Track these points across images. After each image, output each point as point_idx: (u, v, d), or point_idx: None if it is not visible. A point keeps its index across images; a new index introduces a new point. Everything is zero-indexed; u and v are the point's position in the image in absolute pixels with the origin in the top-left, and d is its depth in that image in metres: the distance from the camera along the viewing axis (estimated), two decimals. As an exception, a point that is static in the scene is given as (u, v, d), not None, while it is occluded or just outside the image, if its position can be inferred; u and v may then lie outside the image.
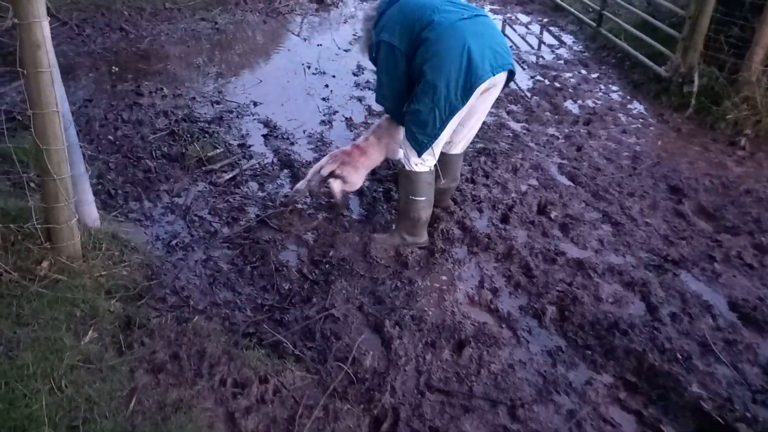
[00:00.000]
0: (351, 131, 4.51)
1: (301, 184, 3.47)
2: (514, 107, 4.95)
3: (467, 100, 2.79)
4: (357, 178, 3.40)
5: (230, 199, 3.58)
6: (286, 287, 2.90)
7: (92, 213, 2.89)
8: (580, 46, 6.47)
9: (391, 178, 3.84)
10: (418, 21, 2.82)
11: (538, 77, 5.62)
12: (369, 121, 4.59)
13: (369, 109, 4.87)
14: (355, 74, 5.57)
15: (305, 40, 6.53)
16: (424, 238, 3.22)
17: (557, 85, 5.40)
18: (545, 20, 7.37)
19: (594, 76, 5.65)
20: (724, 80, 4.64)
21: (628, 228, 3.43)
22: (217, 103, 4.88)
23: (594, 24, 6.54)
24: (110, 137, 4.21)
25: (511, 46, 6.44)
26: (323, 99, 5.04)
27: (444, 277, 3.03)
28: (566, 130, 4.57)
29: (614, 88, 5.41)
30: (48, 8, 6.33)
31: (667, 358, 2.55)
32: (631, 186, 3.85)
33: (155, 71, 5.48)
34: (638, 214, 3.56)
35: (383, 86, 3.08)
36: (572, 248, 3.27)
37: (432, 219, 3.40)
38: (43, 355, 2.13)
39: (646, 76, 5.36)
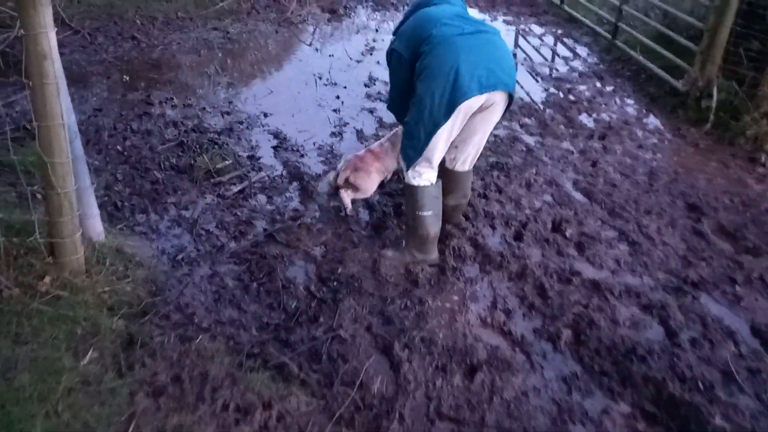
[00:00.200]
0: (362, 143, 4.44)
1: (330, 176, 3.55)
2: (527, 120, 4.87)
3: (449, 116, 2.75)
4: (369, 184, 3.39)
5: (238, 213, 3.51)
6: (293, 305, 2.83)
7: (97, 226, 2.84)
8: (595, 58, 6.38)
9: (402, 192, 3.76)
10: (421, 34, 2.84)
11: (552, 89, 5.54)
12: (380, 134, 4.53)
13: (380, 120, 4.81)
14: (366, 85, 5.51)
15: (317, 50, 6.50)
16: (434, 254, 3.13)
17: (572, 98, 5.31)
18: (559, 32, 7.29)
19: (609, 89, 5.56)
20: (744, 95, 4.54)
21: (646, 247, 3.33)
22: (228, 113, 4.84)
23: (609, 36, 6.45)
24: (119, 147, 4.17)
25: (525, 58, 6.38)
26: (334, 110, 4.98)
27: (455, 297, 2.94)
28: (581, 145, 4.48)
29: (630, 101, 5.31)
30: (61, 17, 6.39)
31: (688, 387, 2.44)
32: (648, 203, 3.74)
33: (166, 81, 5.46)
34: (656, 233, 3.46)
35: (391, 94, 3.18)
36: (588, 268, 3.17)
37: (443, 235, 3.33)
38: (40, 377, 2.07)
39: (663, 89, 5.26)
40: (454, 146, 3.08)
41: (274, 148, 4.32)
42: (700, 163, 4.27)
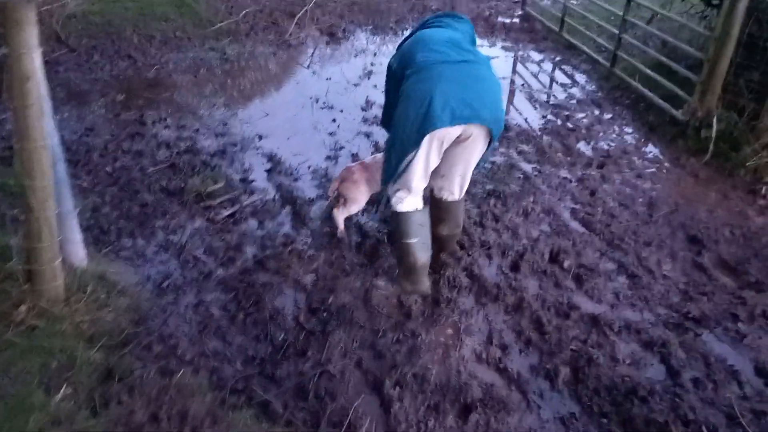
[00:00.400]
0: (357, 168, 4.36)
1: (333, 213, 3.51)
2: (525, 147, 4.81)
3: (418, 144, 2.69)
4: (357, 194, 3.37)
5: (227, 238, 3.42)
6: (281, 337, 2.72)
7: (79, 252, 2.74)
8: (594, 86, 6.36)
9: (396, 220, 3.68)
10: (409, 56, 2.83)
11: (550, 116, 5.49)
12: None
13: (376, 144, 4.74)
14: (363, 109, 5.46)
15: (314, 73, 6.46)
16: (424, 285, 3.02)
17: (570, 125, 5.26)
18: (558, 58, 7.28)
19: (608, 116, 5.52)
20: (744, 126, 4.49)
21: (646, 281, 3.23)
22: (222, 135, 4.77)
23: (608, 64, 6.43)
24: (108, 168, 4.09)
25: (523, 84, 6.35)
26: (330, 134, 4.92)
27: (449, 331, 2.84)
28: (579, 173, 4.41)
29: (629, 130, 5.26)
30: (57, 34, 6.34)
31: (691, 431, 2.33)
32: (647, 234, 3.66)
33: (161, 100, 5.40)
34: (656, 266, 3.37)
35: (384, 108, 3.19)
36: (587, 302, 3.08)
37: (438, 265, 3.24)
38: (8, 416, 1.95)
39: (662, 118, 5.22)
40: (440, 175, 3.02)
41: (268, 171, 4.24)
42: (700, 194, 4.20)
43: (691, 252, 3.53)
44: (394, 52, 3.10)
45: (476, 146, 2.85)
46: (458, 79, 2.67)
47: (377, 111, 5.37)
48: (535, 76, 6.75)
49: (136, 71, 6.04)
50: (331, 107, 5.46)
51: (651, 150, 4.89)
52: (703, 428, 2.35)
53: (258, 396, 2.38)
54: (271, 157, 4.41)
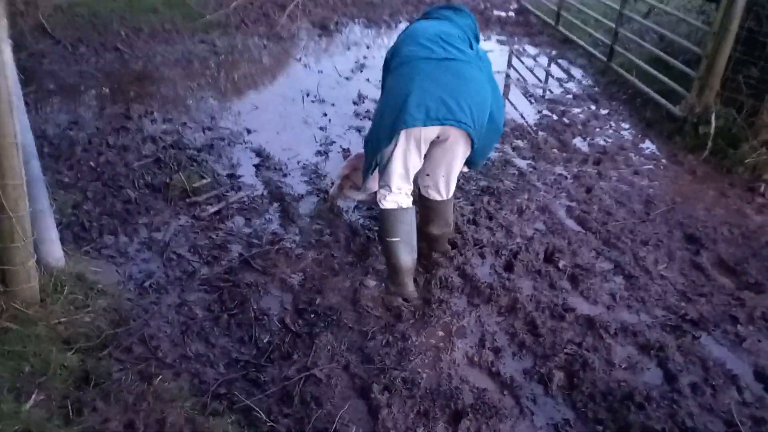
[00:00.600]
0: (348, 163, 4.26)
1: (333, 191, 3.65)
2: (520, 143, 4.72)
3: (390, 141, 2.64)
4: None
5: (213, 236, 3.32)
6: (265, 340, 2.62)
7: (55, 252, 2.63)
8: (590, 81, 6.26)
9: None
10: (399, 48, 2.79)
11: (546, 111, 5.40)
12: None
13: (368, 140, 4.64)
14: (355, 103, 5.35)
15: (306, 66, 6.34)
16: (408, 289, 2.89)
17: (566, 120, 5.17)
18: (553, 53, 7.18)
19: (604, 112, 5.43)
20: (742, 122, 4.41)
21: (643, 281, 3.15)
22: (209, 129, 4.65)
23: (604, 58, 6.34)
24: (92, 163, 3.97)
25: (518, 79, 6.25)
26: (321, 128, 4.81)
27: (441, 333, 2.75)
28: (575, 170, 4.33)
29: (625, 125, 5.17)
30: (43, 26, 6.20)
31: (689, 440, 2.26)
32: (644, 233, 3.58)
33: (147, 94, 5.28)
34: (653, 266, 3.29)
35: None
36: (582, 303, 2.99)
37: (430, 264, 3.16)
38: (-26, 425, 1.86)
39: (659, 114, 5.13)
40: (426, 174, 2.94)
41: (256, 166, 4.13)
42: (698, 192, 4.12)
43: (688, 251, 3.46)
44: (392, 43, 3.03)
45: (457, 149, 2.75)
46: (440, 78, 2.58)
47: (370, 105, 5.27)
48: (531, 70, 6.65)
49: (123, 64, 5.91)
50: (323, 101, 5.35)
51: (648, 146, 4.80)
52: (702, 436, 2.27)
53: (240, 401, 2.29)
54: (259, 152, 4.30)
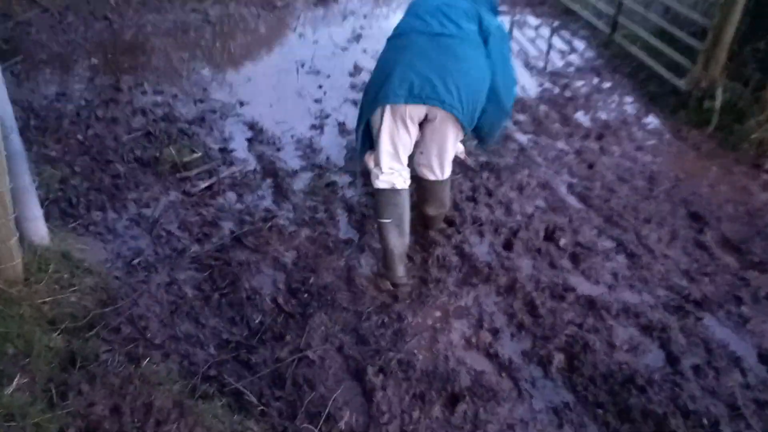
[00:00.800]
0: (344, 137, 4.15)
1: None
2: (521, 117, 4.59)
3: (372, 114, 2.58)
4: None
5: (203, 212, 3.22)
6: (257, 320, 2.55)
7: (39, 229, 2.53)
8: (593, 53, 6.11)
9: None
10: (401, 20, 2.70)
11: (547, 84, 5.27)
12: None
13: (364, 113, 4.51)
14: (351, 75, 5.21)
15: (301, 36, 6.17)
16: (397, 274, 2.77)
17: (568, 94, 5.04)
18: (556, 24, 7.01)
19: (607, 85, 5.29)
20: (749, 97, 4.29)
21: (645, 260, 3.08)
22: (201, 101, 4.52)
23: (607, 30, 6.18)
24: (80, 137, 3.85)
25: (519, 50, 6.10)
26: (315, 101, 4.68)
27: (438, 313, 2.68)
28: (577, 145, 4.22)
29: (629, 99, 5.05)
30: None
31: (691, 424, 2.20)
32: (647, 211, 3.49)
33: (138, 65, 5.13)
34: (656, 244, 3.21)
35: None
36: (583, 283, 2.92)
37: (427, 243, 3.08)
38: (-48, 411, 1.78)
39: (663, 88, 5.00)
40: (420, 152, 2.82)
41: (249, 140, 4.02)
42: (702, 168, 4.03)
43: (692, 229, 3.38)
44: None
45: (446, 130, 2.62)
46: (429, 54, 2.46)
47: (366, 77, 5.12)
48: (532, 41, 6.48)
49: (112, 34, 5.74)
50: (318, 72, 5.21)
51: (651, 121, 4.69)
52: (704, 420, 2.22)
53: (231, 384, 2.22)
54: (252, 126, 4.18)
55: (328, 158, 3.85)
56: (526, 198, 3.54)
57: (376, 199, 2.77)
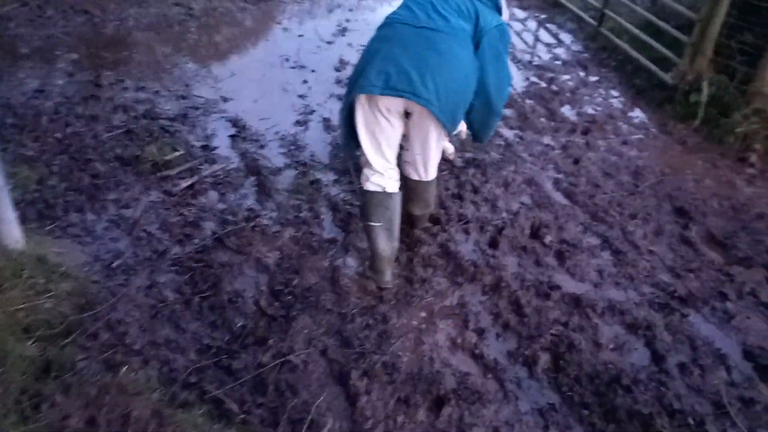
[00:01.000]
0: (329, 134, 4.10)
1: None
2: (507, 111, 4.56)
3: (349, 102, 2.52)
4: None
5: (185, 212, 3.17)
6: (239, 324, 2.51)
7: (13, 233, 2.47)
8: (579, 46, 6.08)
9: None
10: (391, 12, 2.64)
11: (534, 78, 5.23)
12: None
13: (350, 109, 4.46)
14: (337, 69, 5.14)
15: (285, 29, 6.09)
16: (384, 278, 2.74)
17: (554, 88, 5.01)
18: (542, 16, 6.97)
19: (593, 79, 5.27)
20: (735, 90, 4.29)
21: (631, 257, 3.06)
22: (183, 97, 4.45)
23: (594, 23, 6.15)
24: (58, 135, 3.77)
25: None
26: (300, 96, 4.62)
27: (423, 314, 2.65)
28: (563, 140, 4.20)
29: (615, 93, 5.03)
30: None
31: (677, 424, 2.19)
32: (633, 206, 3.48)
33: (119, 60, 5.03)
34: (641, 240, 3.20)
35: None
36: (568, 280, 2.90)
37: (413, 242, 3.04)
38: None
39: (650, 81, 4.99)
40: (405, 149, 2.76)
41: (232, 137, 3.96)
42: (688, 163, 4.02)
43: (678, 225, 3.37)
44: None
45: (426, 126, 2.55)
46: (411, 46, 2.40)
47: (351, 71, 5.06)
48: (519, 34, 6.45)
49: (92, 28, 5.63)
50: (303, 67, 5.14)
51: (638, 115, 4.68)
52: (689, 420, 2.21)
53: (213, 389, 2.19)
54: (235, 122, 4.11)
55: (312, 155, 3.80)
56: (511, 195, 3.51)
57: (365, 201, 2.69)
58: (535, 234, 3.20)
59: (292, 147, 3.89)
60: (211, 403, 2.13)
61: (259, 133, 4.01)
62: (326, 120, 4.26)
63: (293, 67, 5.14)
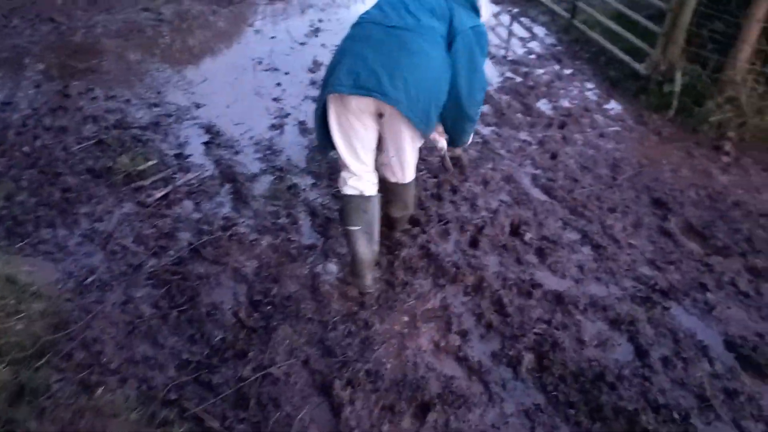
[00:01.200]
0: (305, 137, 4.05)
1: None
2: (483, 108, 4.54)
3: (321, 102, 2.51)
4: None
5: (159, 223, 3.10)
6: (218, 337, 2.46)
7: (-20, 254, 2.40)
8: (553, 39, 6.09)
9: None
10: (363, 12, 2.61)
11: (509, 74, 5.22)
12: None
13: (325, 111, 4.41)
14: (311, 71, 5.08)
15: (257, 32, 6.01)
16: (365, 282, 2.71)
17: (530, 83, 5.00)
18: (515, 11, 6.96)
19: (568, 72, 5.28)
20: (707, 79, 4.31)
21: (611, 251, 3.07)
22: (155, 105, 4.37)
23: (567, 15, 6.16)
24: (26, 148, 3.68)
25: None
26: (274, 99, 4.56)
27: (405, 318, 2.62)
28: (539, 135, 4.19)
29: (590, 85, 5.04)
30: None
31: (662, 419, 2.19)
32: (611, 200, 3.49)
33: (87, 69, 4.92)
34: (621, 234, 3.20)
35: None
36: (549, 277, 2.89)
37: (393, 244, 3.01)
38: None
39: (623, 72, 5.01)
40: (381, 151, 2.73)
41: (205, 144, 3.89)
42: (664, 153, 4.04)
43: (656, 217, 3.38)
44: None
45: (398, 127, 2.51)
46: (381, 46, 2.37)
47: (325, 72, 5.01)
48: (492, 29, 6.43)
49: (59, 36, 5.51)
50: (276, 69, 5.08)
51: (613, 107, 4.69)
52: (674, 414, 2.21)
53: (193, 406, 2.14)
54: (209, 128, 4.05)
55: (288, 159, 3.75)
56: (490, 193, 3.50)
57: (343, 205, 2.66)
58: (515, 232, 3.19)
59: (268, 152, 3.84)
60: (192, 421, 2.09)
61: (234, 139, 3.95)
62: (302, 123, 4.21)
63: (266, 70, 5.07)
